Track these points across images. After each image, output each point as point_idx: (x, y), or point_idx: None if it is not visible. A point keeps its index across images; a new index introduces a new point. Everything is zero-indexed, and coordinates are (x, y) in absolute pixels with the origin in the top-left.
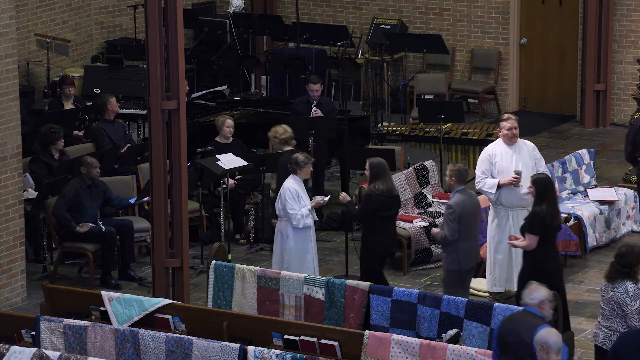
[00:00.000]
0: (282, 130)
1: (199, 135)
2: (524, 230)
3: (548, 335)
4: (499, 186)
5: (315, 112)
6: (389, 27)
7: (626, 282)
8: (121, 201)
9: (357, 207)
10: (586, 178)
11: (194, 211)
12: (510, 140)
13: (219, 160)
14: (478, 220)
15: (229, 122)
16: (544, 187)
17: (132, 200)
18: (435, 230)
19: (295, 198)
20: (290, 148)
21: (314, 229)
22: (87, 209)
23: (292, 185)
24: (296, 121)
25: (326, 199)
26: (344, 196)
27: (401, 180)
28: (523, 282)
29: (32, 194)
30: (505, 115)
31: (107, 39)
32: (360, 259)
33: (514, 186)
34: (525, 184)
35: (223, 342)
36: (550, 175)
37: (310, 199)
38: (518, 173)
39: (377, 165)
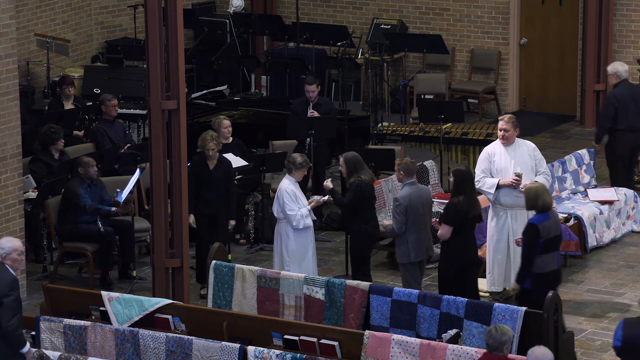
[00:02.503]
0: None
1: (199, 135)
2: (440, 219)
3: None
4: (499, 186)
5: (312, 112)
6: (389, 27)
7: None
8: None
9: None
10: (586, 178)
11: None
12: (501, 141)
13: None
14: (429, 212)
15: (226, 122)
16: (462, 179)
17: (119, 198)
18: (385, 222)
19: (293, 199)
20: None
21: (312, 229)
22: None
23: (289, 187)
24: (296, 121)
25: (325, 198)
26: (326, 184)
27: None
28: (441, 270)
29: (32, 194)
30: (501, 116)
31: (107, 39)
32: (351, 249)
33: (513, 188)
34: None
35: (223, 342)
36: (551, 174)
37: (308, 199)
38: (519, 175)
39: (352, 159)
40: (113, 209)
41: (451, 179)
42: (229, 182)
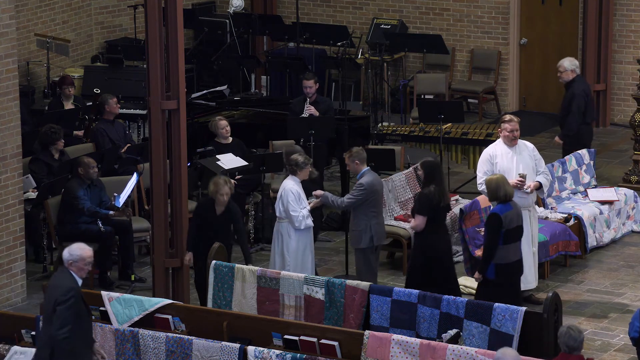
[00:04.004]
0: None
1: (199, 135)
2: (413, 211)
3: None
4: None
5: (309, 108)
6: (389, 27)
7: None
8: (107, 205)
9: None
10: (586, 178)
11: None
12: (510, 142)
13: (219, 160)
14: (383, 198)
15: (222, 122)
16: (431, 169)
17: (117, 203)
18: (320, 192)
19: (297, 200)
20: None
21: (312, 229)
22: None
23: (294, 187)
24: (296, 121)
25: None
26: (318, 193)
27: (401, 180)
28: (414, 261)
29: (32, 195)
30: (507, 117)
31: (107, 39)
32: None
33: (517, 189)
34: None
35: (223, 342)
36: (551, 174)
37: (308, 199)
38: (522, 176)
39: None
40: (111, 212)
41: (420, 172)
42: (237, 223)
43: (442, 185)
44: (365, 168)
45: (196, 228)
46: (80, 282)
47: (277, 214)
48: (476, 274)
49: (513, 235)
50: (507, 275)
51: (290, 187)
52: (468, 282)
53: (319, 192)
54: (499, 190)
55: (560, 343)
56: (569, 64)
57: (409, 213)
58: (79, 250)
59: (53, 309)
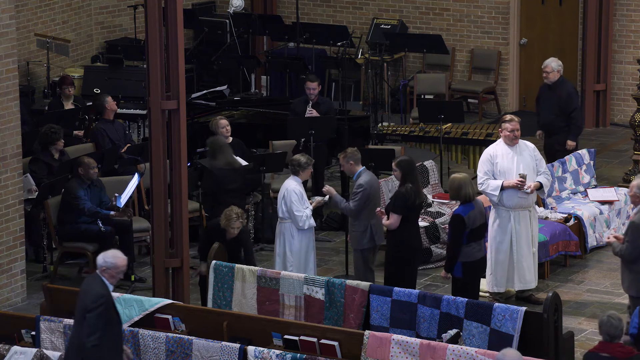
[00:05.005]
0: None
1: (199, 135)
2: (388, 209)
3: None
4: (502, 188)
5: (310, 112)
6: (389, 27)
7: None
8: (107, 205)
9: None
10: (586, 178)
11: (194, 211)
12: (511, 142)
13: None
14: (382, 197)
15: (222, 122)
16: (407, 168)
17: (118, 203)
18: (327, 188)
19: (300, 200)
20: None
21: (313, 230)
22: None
23: (296, 187)
24: (296, 121)
25: (326, 198)
26: (327, 189)
27: None
28: (389, 258)
29: (32, 194)
30: (508, 117)
31: (107, 39)
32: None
33: (518, 189)
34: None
35: (223, 342)
36: (551, 174)
37: (309, 199)
38: (523, 176)
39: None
40: (112, 212)
41: (395, 171)
42: (246, 252)
43: (418, 184)
44: (361, 168)
45: (208, 241)
46: (111, 288)
47: (280, 215)
48: (442, 273)
49: (477, 233)
50: (474, 272)
51: (292, 187)
52: None
53: (327, 188)
54: (461, 190)
55: (601, 332)
56: (556, 65)
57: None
58: (113, 258)
59: (83, 315)
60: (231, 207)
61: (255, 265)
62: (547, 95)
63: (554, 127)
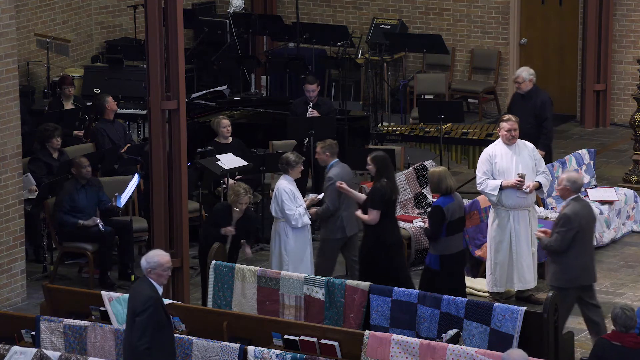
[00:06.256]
0: (244, 190)
1: (199, 135)
2: (366, 206)
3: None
4: (501, 188)
5: (312, 112)
6: (389, 27)
7: None
8: (107, 205)
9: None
10: (586, 178)
11: (194, 211)
12: (509, 142)
13: (219, 160)
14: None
15: (225, 122)
16: (382, 163)
17: (118, 203)
18: (313, 204)
19: (291, 198)
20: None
21: (309, 227)
22: (85, 208)
23: (287, 186)
24: (295, 121)
25: (320, 196)
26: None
27: (401, 180)
28: (363, 254)
29: (32, 194)
30: (506, 116)
31: (107, 39)
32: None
33: (517, 189)
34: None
35: (223, 342)
36: (551, 174)
37: (304, 197)
38: (522, 176)
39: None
40: (80, 222)
41: (369, 166)
42: (253, 226)
43: (393, 179)
44: (334, 160)
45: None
46: (160, 290)
47: (274, 214)
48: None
49: (455, 226)
50: (451, 265)
51: (283, 186)
52: (468, 282)
53: (312, 197)
54: (441, 183)
55: (615, 325)
56: (527, 74)
57: (406, 213)
58: (156, 257)
59: (133, 319)
60: (238, 182)
61: (262, 237)
62: (520, 105)
63: (530, 135)
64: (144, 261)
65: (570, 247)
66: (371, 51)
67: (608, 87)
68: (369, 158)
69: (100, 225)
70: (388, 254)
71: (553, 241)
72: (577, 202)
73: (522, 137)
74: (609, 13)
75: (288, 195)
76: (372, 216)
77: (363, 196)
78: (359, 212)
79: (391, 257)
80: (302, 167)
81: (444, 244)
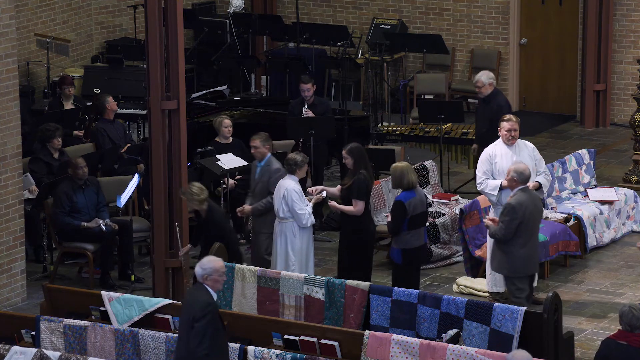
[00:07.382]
0: (198, 189)
1: (199, 135)
2: (350, 197)
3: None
4: (501, 188)
5: (307, 112)
6: (389, 27)
7: None
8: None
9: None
10: (586, 178)
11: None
12: (508, 141)
13: (219, 160)
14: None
15: (227, 122)
16: (358, 155)
17: (118, 203)
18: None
19: (301, 198)
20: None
21: (312, 227)
22: (83, 208)
23: (295, 186)
24: (295, 121)
25: (324, 194)
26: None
27: None
28: (344, 244)
29: (32, 194)
30: (507, 116)
31: (107, 39)
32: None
33: None
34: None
35: None
36: (551, 174)
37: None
38: None
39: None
40: (83, 224)
41: (346, 159)
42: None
43: (369, 169)
44: (268, 155)
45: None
46: (215, 296)
47: (281, 215)
48: (386, 256)
49: (417, 221)
50: (412, 259)
51: (292, 186)
52: (468, 282)
53: (317, 196)
54: (403, 179)
55: (622, 323)
56: (486, 78)
57: None
58: (210, 263)
59: (191, 326)
60: (192, 183)
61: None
62: (481, 108)
63: (485, 139)
64: (198, 268)
65: (515, 236)
66: (371, 51)
67: (608, 87)
68: (344, 151)
69: (103, 226)
70: (365, 244)
71: (498, 230)
72: (524, 192)
73: (479, 140)
74: (609, 13)
75: (298, 195)
76: (358, 207)
77: (336, 189)
78: (334, 203)
79: (369, 248)
80: (308, 168)
81: (405, 238)
